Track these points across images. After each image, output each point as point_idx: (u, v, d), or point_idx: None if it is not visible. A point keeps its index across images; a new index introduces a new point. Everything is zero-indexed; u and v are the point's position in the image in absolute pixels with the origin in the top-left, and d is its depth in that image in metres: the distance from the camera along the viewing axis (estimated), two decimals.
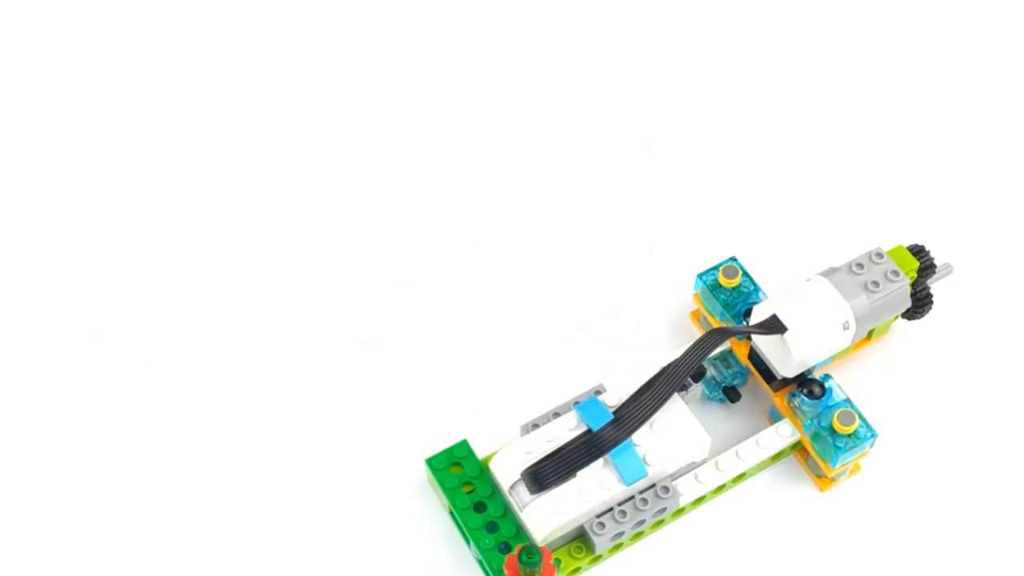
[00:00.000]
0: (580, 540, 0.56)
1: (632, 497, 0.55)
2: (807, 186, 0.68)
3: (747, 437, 0.58)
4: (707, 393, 0.60)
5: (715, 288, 0.60)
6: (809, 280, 0.57)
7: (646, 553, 0.57)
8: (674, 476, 0.56)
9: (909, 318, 0.61)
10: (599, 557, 0.56)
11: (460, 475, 0.56)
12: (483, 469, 0.56)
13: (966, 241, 0.65)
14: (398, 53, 0.72)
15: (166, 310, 0.63)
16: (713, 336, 0.55)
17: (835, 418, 0.56)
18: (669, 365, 0.55)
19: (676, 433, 0.55)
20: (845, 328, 0.56)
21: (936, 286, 0.61)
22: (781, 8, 0.74)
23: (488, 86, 0.71)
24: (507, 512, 0.55)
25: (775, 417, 0.59)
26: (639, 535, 0.57)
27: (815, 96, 0.71)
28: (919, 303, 0.60)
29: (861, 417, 0.56)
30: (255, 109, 0.70)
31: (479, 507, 0.56)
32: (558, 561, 0.55)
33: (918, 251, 0.59)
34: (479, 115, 0.70)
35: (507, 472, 0.55)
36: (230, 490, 0.59)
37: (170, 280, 0.64)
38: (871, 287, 0.57)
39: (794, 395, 0.58)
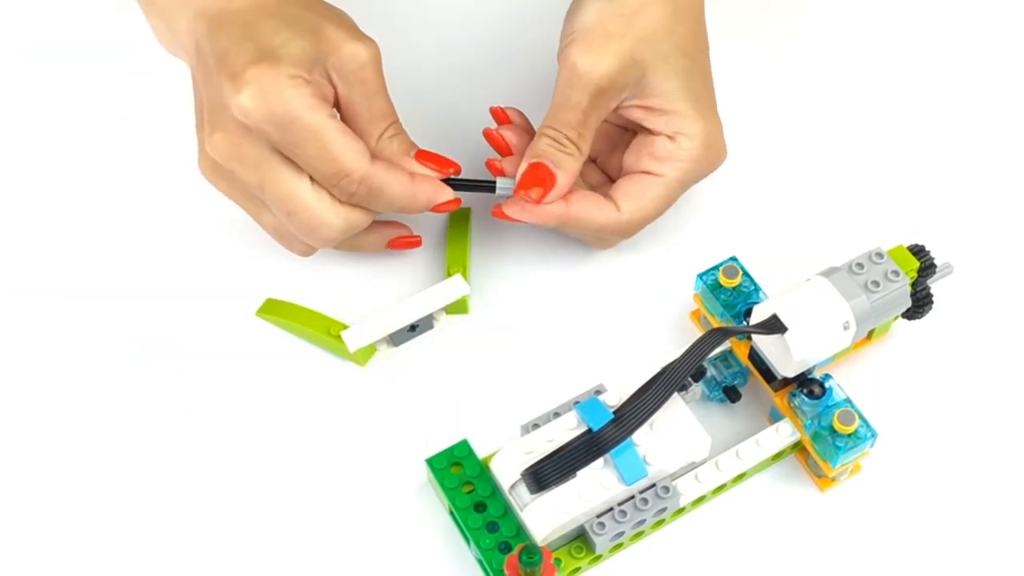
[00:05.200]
0: (580, 540, 0.56)
1: (632, 497, 0.55)
2: (807, 186, 0.68)
3: (747, 437, 0.58)
4: (707, 393, 0.60)
5: (715, 288, 0.60)
6: (809, 280, 0.57)
7: (646, 553, 0.57)
8: (674, 476, 0.56)
9: (909, 318, 0.61)
10: (599, 557, 0.56)
11: (460, 475, 0.56)
12: (483, 469, 0.56)
13: (966, 241, 0.65)
14: None
15: (165, 308, 0.63)
16: (713, 336, 0.55)
17: (835, 418, 0.56)
18: (669, 365, 0.55)
19: (676, 433, 0.55)
20: (845, 328, 0.56)
21: (936, 286, 0.61)
22: (781, 8, 0.74)
23: (491, 82, 0.71)
24: (507, 512, 0.55)
25: (775, 417, 0.59)
26: (639, 535, 0.57)
27: (815, 96, 0.71)
28: (919, 303, 0.60)
29: (861, 417, 0.56)
30: None
31: (479, 507, 0.56)
32: (558, 561, 0.55)
33: (918, 251, 0.59)
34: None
35: (507, 472, 0.55)
36: (230, 490, 0.59)
37: (166, 277, 0.64)
38: (871, 287, 0.57)
39: (794, 395, 0.58)
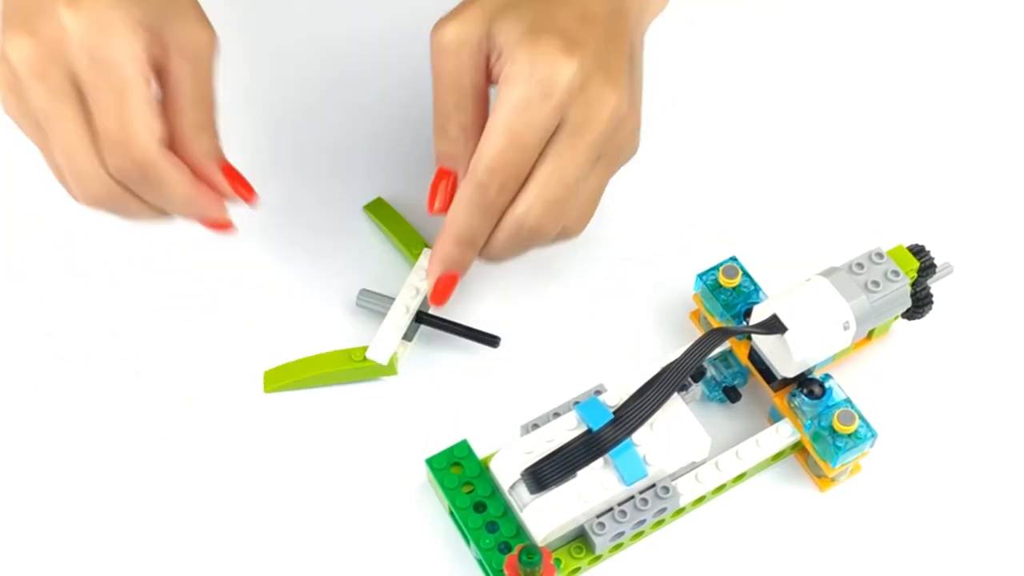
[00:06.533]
0: (580, 540, 0.56)
1: (632, 497, 0.55)
2: (807, 186, 0.68)
3: (747, 437, 0.58)
4: (707, 393, 0.60)
5: (715, 288, 0.60)
6: (809, 280, 0.57)
7: (646, 553, 0.57)
8: (674, 476, 0.56)
9: (909, 318, 0.61)
10: (599, 557, 0.56)
11: (460, 475, 0.56)
12: (483, 469, 0.56)
13: (966, 241, 0.65)
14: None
15: (160, 310, 0.63)
16: (713, 336, 0.55)
17: (835, 418, 0.56)
18: (669, 365, 0.55)
19: (676, 433, 0.55)
20: (845, 328, 0.56)
21: (936, 286, 0.61)
22: (781, 8, 0.74)
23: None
24: (507, 512, 0.55)
25: (775, 417, 0.59)
26: (639, 535, 0.57)
27: (815, 96, 0.71)
28: (919, 303, 0.60)
29: (861, 417, 0.56)
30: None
31: (479, 507, 0.56)
32: (558, 561, 0.55)
33: (918, 251, 0.59)
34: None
35: (507, 472, 0.55)
36: (230, 491, 0.59)
37: (161, 279, 0.64)
38: (871, 287, 0.57)
39: (794, 395, 0.58)
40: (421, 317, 0.61)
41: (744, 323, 0.59)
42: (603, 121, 0.54)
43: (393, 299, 0.61)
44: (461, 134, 0.55)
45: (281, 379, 0.61)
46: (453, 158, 0.56)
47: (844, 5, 0.74)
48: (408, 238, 0.64)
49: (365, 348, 0.60)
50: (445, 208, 0.56)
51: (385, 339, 0.60)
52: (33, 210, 0.66)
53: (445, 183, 0.56)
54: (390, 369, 0.60)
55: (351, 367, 0.60)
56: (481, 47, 0.54)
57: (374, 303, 0.62)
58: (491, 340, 0.61)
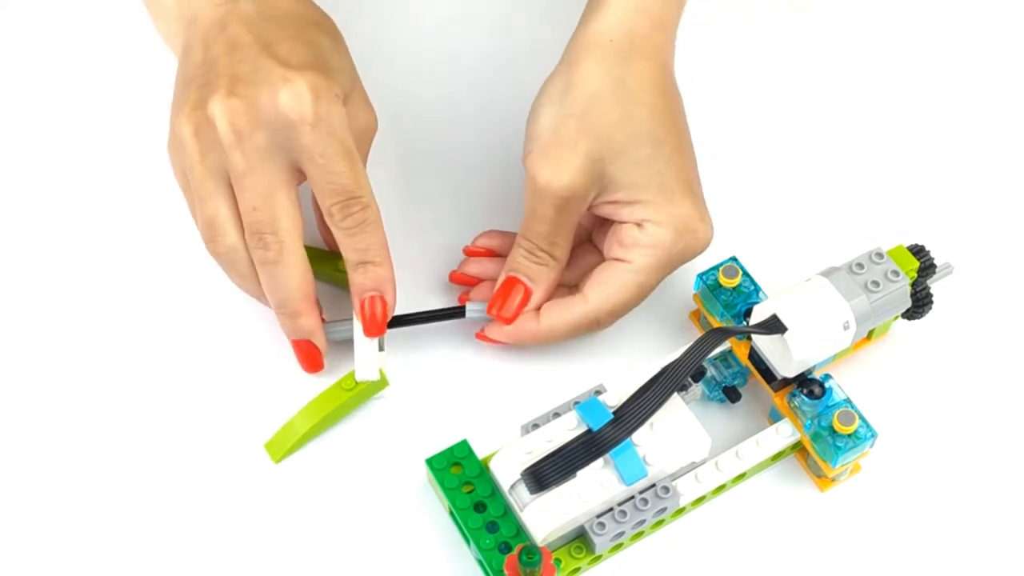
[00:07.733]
0: (580, 540, 0.56)
1: (632, 497, 0.55)
2: (807, 186, 0.68)
3: (747, 437, 0.58)
4: (707, 393, 0.60)
5: (715, 288, 0.60)
6: (809, 280, 0.57)
7: (646, 553, 0.57)
8: (674, 476, 0.56)
9: (909, 318, 0.61)
10: (599, 557, 0.56)
11: (460, 475, 0.56)
12: (483, 469, 0.56)
13: (966, 241, 0.65)
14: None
15: (162, 309, 0.63)
16: (713, 336, 0.55)
17: (835, 418, 0.56)
18: (669, 365, 0.55)
19: (676, 433, 0.55)
20: (845, 328, 0.56)
21: (936, 286, 0.61)
22: (781, 7, 0.74)
23: (489, 80, 0.71)
24: (507, 512, 0.55)
25: (775, 417, 0.59)
26: (639, 535, 0.57)
27: (815, 96, 0.71)
28: (919, 303, 0.60)
29: (861, 417, 0.56)
30: None
31: (479, 507, 0.56)
32: (558, 561, 0.55)
33: (918, 251, 0.59)
34: (481, 114, 0.70)
35: (507, 472, 0.55)
36: (230, 490, 0.59)
37: (163, 279, 0.64)
38: (871, 287, 0.57)
39: (794, 395, 0.58)
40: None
41: (744, 323, 0.59)
42: (697, 254, 0.60)
43: (351, 319, 0.61)
44: (551, 261, 0.59)
45: (286, 442, 0.59)
46: (533, 279, 0.59)
47: (844, 5, 0.74)
48: (325, 261, 0.62)
49: (351, 374, 0.60)
50: (512, 319, 0.59)
51: (365, 357, 0.60)
52: (28, 229, 0.66)
53: (521, 298, 0.59)
54: (382, 382, 0.60)
55: (348, 397, 0.59)
56: (587, 197, 0.58)
57: (338, 330, 0.61)
58: (457, 312, 0.61)
